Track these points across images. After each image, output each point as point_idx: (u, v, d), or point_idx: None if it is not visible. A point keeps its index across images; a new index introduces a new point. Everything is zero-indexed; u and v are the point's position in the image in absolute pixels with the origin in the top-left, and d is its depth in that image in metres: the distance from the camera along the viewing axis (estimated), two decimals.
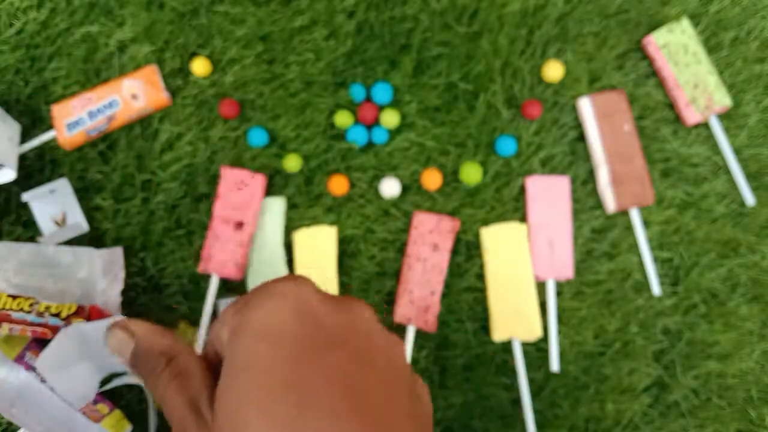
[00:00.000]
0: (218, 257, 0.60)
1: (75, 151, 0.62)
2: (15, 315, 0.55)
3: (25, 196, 0.59)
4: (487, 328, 0.63)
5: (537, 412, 0.63)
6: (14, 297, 0.56)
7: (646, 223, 0.64)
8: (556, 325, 0.62)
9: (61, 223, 0.58)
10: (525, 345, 0.63)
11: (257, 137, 0.61)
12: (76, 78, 0.62)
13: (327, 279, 0.61)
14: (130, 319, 0.26)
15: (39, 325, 0.56)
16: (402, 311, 0.61)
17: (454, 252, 0.63)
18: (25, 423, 0.56)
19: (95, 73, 0.62)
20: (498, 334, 0.62)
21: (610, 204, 0.62)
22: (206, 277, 0.62)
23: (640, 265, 0.64)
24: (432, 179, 0.62)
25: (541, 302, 0.63)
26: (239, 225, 0.61)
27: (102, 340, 0.55)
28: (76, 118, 0.58)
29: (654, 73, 0.64)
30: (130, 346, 0.26)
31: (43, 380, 0.57)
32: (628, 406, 0.63)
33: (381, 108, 0.63)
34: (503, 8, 0.63)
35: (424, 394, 0.25)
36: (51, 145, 0.62)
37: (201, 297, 0.62)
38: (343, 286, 0.62)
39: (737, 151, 0.64)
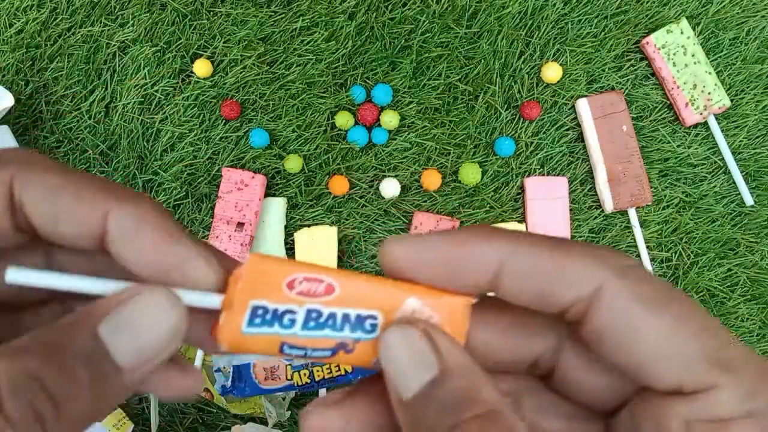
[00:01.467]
0: None
1: (77, 152, 0.62)
2: None
3: None
4: None
5: None
6: None
7: (645, 223, 0.64)
8: None
9: None
10: None
11: (258, 138, 0.62)
12: (76, 78, 0.62)
13: None
14: (438, 330, 0.18)
15: None
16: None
17: None
18: None
19: (96, 74, 0.62)
20: None
21: (608, 204, 0.63)
22: None
23: None
24: (432, 179, 0.62)
25: None
26: (240, 225, 0.61)
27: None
28: (278, 307, 0.21)
29: (653, 74, 0.65)
30: (431, 371, 0.17)
31: None
32: None
33: (381, 109, 0.63)
34: (502, 10, 0.63)
35: None
36: (50, 146, 0.62)
37: None
38: None
39: (736, 151, 0.65)
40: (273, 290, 0.19)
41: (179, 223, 0.18)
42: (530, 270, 0.17)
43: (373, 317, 0.20)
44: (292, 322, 0.19)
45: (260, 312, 0.19)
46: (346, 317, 0.19)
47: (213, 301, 0.19)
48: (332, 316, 0.19)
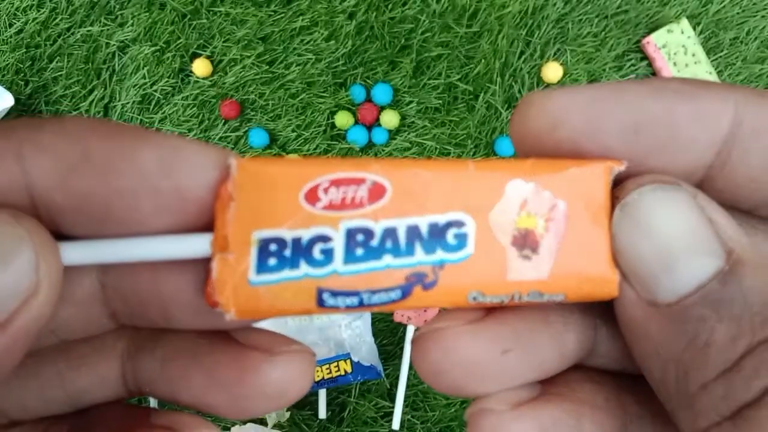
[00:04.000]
0: None
1: None
2: None
3: None
4: None
5: None
6: None
7: None
8: None
9: None
10: None
11: (258, 138, 0.62)
12: (76, 78, 0.62)
13: None
14: (705, 198, 0.13)
15: None
16: (401, 311, 0.61)
17: None
18: None
19: (96, 73, 0.62)
20: None
21: None
22: None
23: None
24: None
25: None
26: None
27: None
28: (299, 234, 0.12)
29: (653, 74, 0.65)
30: (715, 260, 0.12)
31: None
32: None
33: (381, 108, 0.63)
34: (503, 9, 0.63)
35: None
36: None
37: None
38: None
39: None
40: (286, 209, 0.12)
41: (137, 125, 0.12)
42: None
43: (459, 223, 0.12)
44: (328, 254, 0.12)
45: (273, 247, 0.12)
46: (413, 232, 0.12)
47: (194, 245, 0.12)
48: (390, 233, 0.12)
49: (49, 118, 0.12)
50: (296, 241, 0.12)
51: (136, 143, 0.11)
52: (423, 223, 0.12)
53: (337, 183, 0.12)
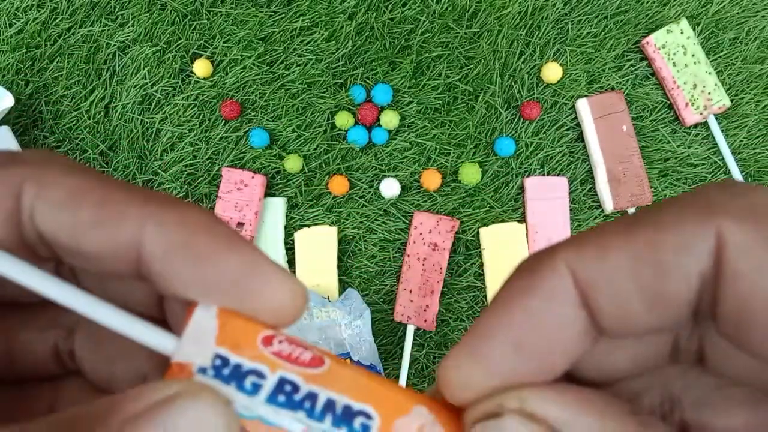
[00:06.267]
0: None
1: (77, 152, 0.62)
2: None
3: None
4: None
5: None
6: None
7: None
8: None
9: None
10: None
11: (258, 138, 0.62)
12: (76, 78, 0.62)
13: (327, 279, 0.61)
14: (544, 396, 0.13)
15: None
16: (401, 310, 0.62)
17: (454, 251, 0.63)
18: None
19: (96, 74, 0.62)
20: None
21: (609, 204, 0.63)
22: None
23: None
24: (431, 179, 0.62)
25: None
26: (240, 225, 0.61)
27: None
28: (241, 362, 0.15)
29: (653, 74, 0.65)
30: None
31: None
32: None
33: (381, 109, 0.63)
34: (502, 10, 0.63)
35: None
36: (50, 146, 0.62)
37: None
38: (343, 286, 0.63)
39: (736, 151, 0.65)
40: (245, 341, 0.14)
41: (239, 233, 0.14)
42: (620, 280, 0.13)
43: (367, 415, 0.14)
44: (256, 388, 0.14)
45: (218, 362, 0.14)
46: (330, 404, 0.14)
47: (164, 342, 0.14)
48: (311, 396, 0.14)
49: (180, 201, 0.14)
50: (237, 367, 0.14)
51: (222, 254, 0.14)
52: (341, 401, 0.14)
53: (291, 341, 0.14)
